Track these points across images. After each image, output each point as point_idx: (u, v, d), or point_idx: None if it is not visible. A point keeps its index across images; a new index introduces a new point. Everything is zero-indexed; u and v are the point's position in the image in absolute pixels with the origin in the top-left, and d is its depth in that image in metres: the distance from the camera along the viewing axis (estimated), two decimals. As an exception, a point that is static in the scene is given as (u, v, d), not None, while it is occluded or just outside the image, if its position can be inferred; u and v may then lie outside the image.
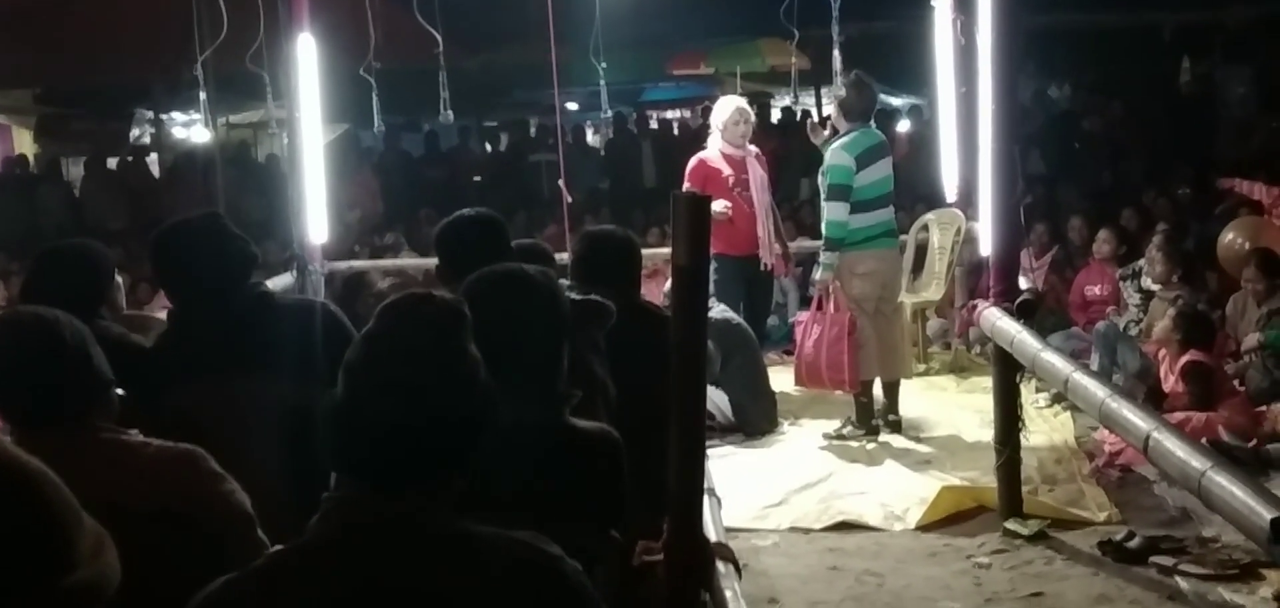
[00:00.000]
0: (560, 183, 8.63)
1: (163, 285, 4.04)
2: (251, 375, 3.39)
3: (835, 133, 7.19)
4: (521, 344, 2.63)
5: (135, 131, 18.17)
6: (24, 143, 18.30)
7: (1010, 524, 5.61)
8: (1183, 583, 4.98)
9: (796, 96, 12.01)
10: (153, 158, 17.46)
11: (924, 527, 5.81)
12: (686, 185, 7.75)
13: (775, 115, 16.80)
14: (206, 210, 4.14)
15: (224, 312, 3.51)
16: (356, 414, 1.98)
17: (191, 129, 17.61)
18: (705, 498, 2.63)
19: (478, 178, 16.53)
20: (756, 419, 7.41)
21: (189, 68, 7.73)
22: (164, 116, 17.55)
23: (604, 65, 8.27)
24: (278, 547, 2.24)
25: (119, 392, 2.84)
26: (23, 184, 15.94)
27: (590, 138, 18.59)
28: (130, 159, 16.79)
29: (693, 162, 8.01)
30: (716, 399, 7.18)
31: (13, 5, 11.57)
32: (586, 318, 3.28)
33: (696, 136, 14.31)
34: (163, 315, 5.55)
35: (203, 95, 7.43)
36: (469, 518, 1.99)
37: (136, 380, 3.15)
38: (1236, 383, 7.09)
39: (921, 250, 9.28)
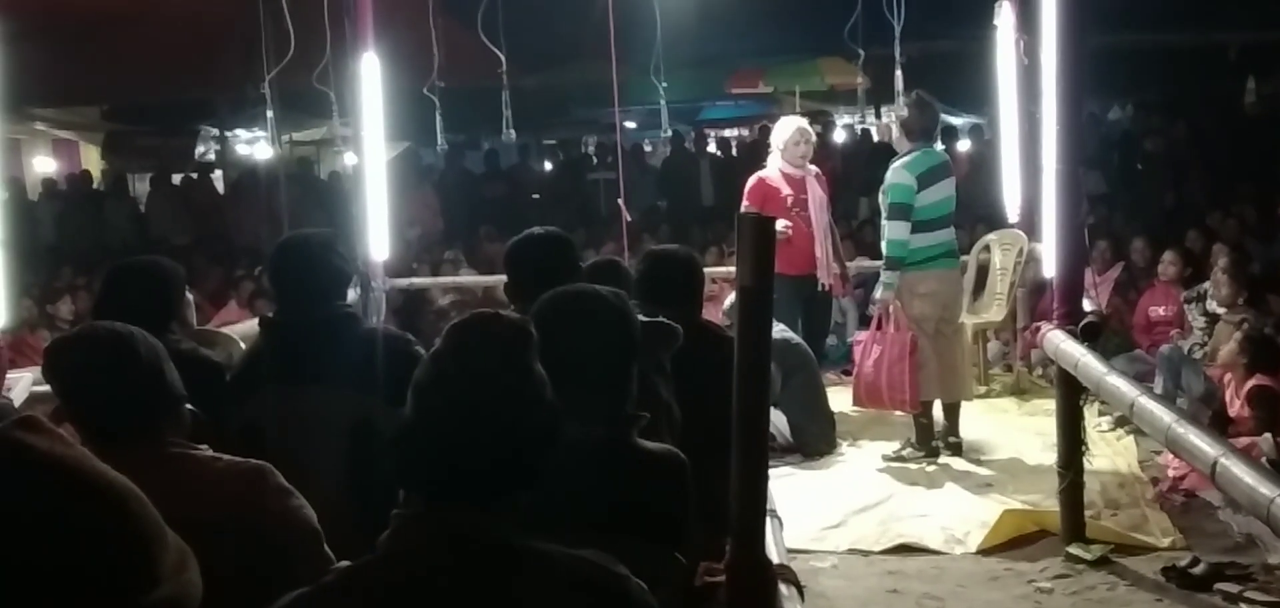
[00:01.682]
0: (619, 201, 8.66)
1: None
2: (322, 390, 3.44)
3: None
4: (591, 364, 2.65)
5: (200, 148, 18.42)
6: (91, 159, 18.61)
7: (1073, 549, 5.56)
8: (1248, 611, 4.92)
9: (863, 116, 11.97)
10: (217, 174, 17.70)
11: (985, 550, 5.77)
12: (745, 204, 7.76)
13: (840, 135, 16.73)
14: (322, 228, 4.22)
15: (305, 326, 3.56)
16: (424, 432, 2.00)
17: (255, 146, 17.85)
18: (767, 519, 2.63)
19: (537, 196, 16.61)
20: (815, 440, 7.39)
21: (254, 85, 7.84)
22: (228, 133, 17.77)
23: (664, 84, 8.30)
24: (344, 562, 2.26)
25: (189, 407, 2.87)
26: (90, 200, 16.21)
27: (648, 156, 18.63)
28: (195, 176, 17.04)
29: (752, 181, 8.02)
30: (775, 420, 7.16)
31: (80, 24, 11.74)
32: (654, 340, 3.29)
33: (755, 155, 14.31)
34: (226, 331, 5.66)
35: (269, 113, 7.52)
36: (536, 535, 2.01)
37: (207, 395, 3.19)
38: (1303, 408, 6.98)
39: (983, 271, 9.22)
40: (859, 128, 16.49)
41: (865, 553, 5.85)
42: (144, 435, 2.71)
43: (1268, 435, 6.37)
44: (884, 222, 7.11)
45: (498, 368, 2.03)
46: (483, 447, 1.98)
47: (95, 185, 17.09)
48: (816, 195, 7.89)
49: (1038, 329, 5.99)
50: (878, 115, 16.87)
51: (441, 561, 1.94)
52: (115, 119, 17.39)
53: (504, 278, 4.28)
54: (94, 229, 15.32)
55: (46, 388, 2.92)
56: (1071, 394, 5.65)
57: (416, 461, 2.00)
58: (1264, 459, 5.88)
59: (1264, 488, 3.45)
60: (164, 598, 1.53)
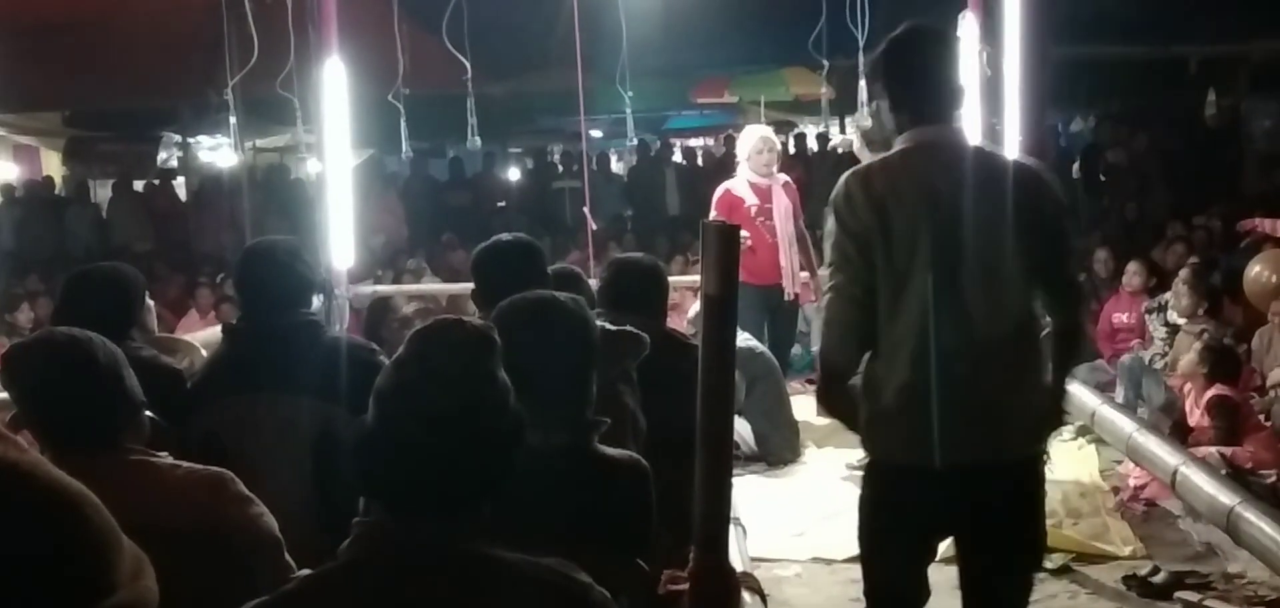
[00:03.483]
0: (585, 210, 8.66)
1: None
2: (284, 398, 3.42)
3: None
4: (550, 370, 2.63)
5: (162, 155, 18.31)
6: (52, 165, 18.47)
7: (1034, 557, 5.58)
8: (1208, 619, 4.95)
9: (828, 127, 12.00)
10: (179, 181, 17.60)
11: (947, 559, 5.76)
12: (713, 215, 7.77)
13: (812, 144, 16.79)
14: (287, 236, 4.21)
15: (268, 334, 3.54)
16: (386, 440, 1.99)
17: (217, 152, 17.75)
18: (731, 527, 2.63)
19: (502, 204, 16.59)
20: (779, 448, 7.39)
21: (217, 91, 7.80)
22: (191, 140, 17.66)
23: (630, 93, 8.30)
24: (304, 571, 2.25)
25: (149, 414, 2.85)
26: (51, 206, 16.08)
27: (614, 165, 18.64)
28: (157, 182, 16.94)
29: (719, 191, 8.03)
30: (739, 428, 7.17)
31: (42, 28, 11.66)
32: (620, 349, 3.28)
33: (720, 164, 14.33)
34: (188, 338, 5.62)
35: (232, 119, 7.47)
36: (497, 544, 2.00)
37: (167, 403, 3.17)
38: (1262, 418, 7.04)
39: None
40: (832, 142, 16.54)
41: (828, 561, 5.84)
42: (103, 442, 2.69)
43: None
44: (847, 231, 7.12)
45: (460, 375, 2.02)
46: (445, 454, 1.97)
47: (56, 191, 16.97)
48: (782, 204, 7.90)
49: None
50: (842, 128, 16.91)
51: (403, 570, 1.93)
52: (77, 125, 17.27)
53: (469, 286, 4.26)
54: (55, 235, 15.21)
55: (4, 395, 2.90)
56: (1033, 403, 5.68)
57: (378, 468, 1.99)
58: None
59: (1223, 496, 3.49)
60: (119, 604, 1.52)
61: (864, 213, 3.25)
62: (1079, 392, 5.05)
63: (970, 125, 7.70)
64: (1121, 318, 9.18)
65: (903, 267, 3.21)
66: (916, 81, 3.39)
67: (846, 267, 3.27)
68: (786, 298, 7.98)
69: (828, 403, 3.52)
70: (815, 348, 8.84)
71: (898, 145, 3.39)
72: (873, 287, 3.23)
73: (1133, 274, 9.30)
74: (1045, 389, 3.39)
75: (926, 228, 3.20)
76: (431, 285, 10.96)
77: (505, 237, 4.16)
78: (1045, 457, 5.63)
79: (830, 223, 3.37)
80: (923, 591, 3.54)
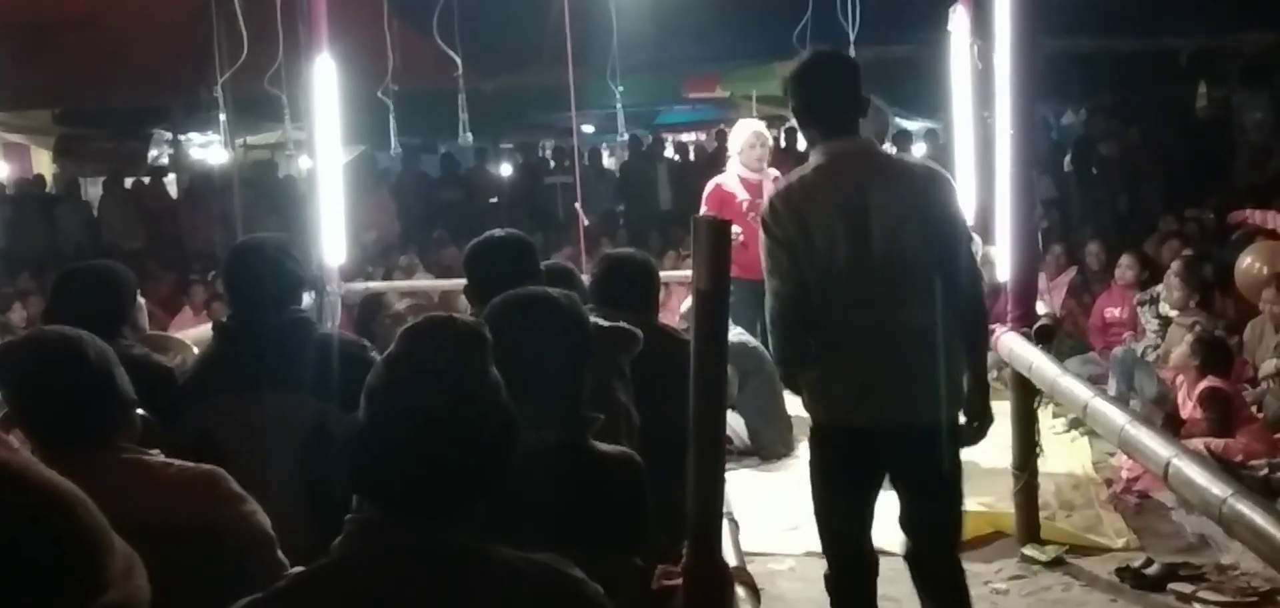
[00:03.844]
0: (577, 205, 8.64)
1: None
2: (276, 396, 3.41)
3: None
4: (543, 366, 2.62)
5: (153, 152, 18.26)
6: (43, 163, 18.42)
7: (1028, 550, 5.59)
8: (1201, 610, 4.97)
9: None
10: (170, 178, 17.56)
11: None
12: (704, 210, 7.77)
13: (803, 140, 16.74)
14: (277, 233, 4.19)
15: (259, 331, 3.53)
16: (377, 438, 1.98)
17: (209, 150, 17.70)
18: (724, 522, 2.63)
19: (494, 200, 16.57)
20: (772, 443, 7.40)
21: (208, 89, 7.78)
22: (182, 137, 17.62)
23: (621, 88, 8.29)
24: (297, 568, 2.24)
25: (141, 412, 2.84)
26: (41, 204, 16.05)
27: (606, 160, 18.62)
28: (148, 180, 16.89)
29: (710, 187, 8.03)
30: (732, 422, 7.17)
31: (32, 26, 11.62)
32: (614, 344, 3.28)
33: (712, 159, 14.31)
34: (179, 336, 5.61)
35: (222, 116, 7.45)
36: (490, 540, 2.00)
37: (158, 401, 3.16)
38: (1254, 409, 7.06)
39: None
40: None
41: (822, 555, 5.84)
42: (94, 441, 2.68)
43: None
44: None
45: (451, 371, 2.01)
46: (436, 452, 1.96)
47: (47, 189, 16.93)
48: (773, 199, 7.90)
49: (992, 332, 6.02)
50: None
51: (395, 567, 1.93)
52: (67, 122, 17.21)
53: (461, 282, 4.25)
54: (46, 234, 15.17)
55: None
56: (1026, 396, 5.68)
57: (369, 466, 1.98)
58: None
59: (1216, 488, 3.48)
60: (110, 604, 1.51)
61: (787, 223, 3.77)
62: (1071, 384, 5.06)
63: (962, 118, 7.75)
64: (1114, 311, 9.19)
65: (825, 265, 3.73)
66: (824, 101, 3.94)
67: (779, 272, 3.80)
68: (778, 292, 7.98)
69: (788, 387, 4.28)
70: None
71: (812, 159, 3.91)
72: (805, 284, 3.75)
73: (1125, 267, 9.32)
74: (959, 368, 3.89)
75: (842, 230, 3.72)
76: (423, 282, 10.94)
77: (497, 233, 4.14)
78: (1038, 450, 5.68)
79: (761, 235, 3.86)
80: (866, 526, 4.12)
